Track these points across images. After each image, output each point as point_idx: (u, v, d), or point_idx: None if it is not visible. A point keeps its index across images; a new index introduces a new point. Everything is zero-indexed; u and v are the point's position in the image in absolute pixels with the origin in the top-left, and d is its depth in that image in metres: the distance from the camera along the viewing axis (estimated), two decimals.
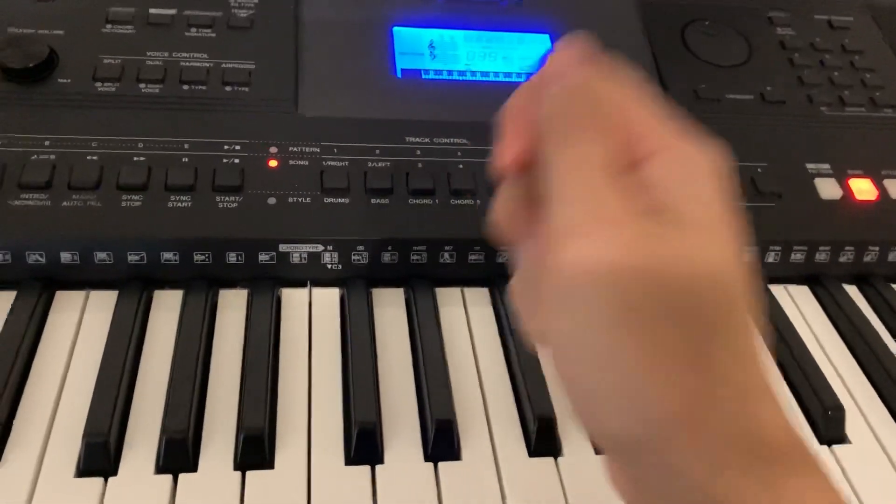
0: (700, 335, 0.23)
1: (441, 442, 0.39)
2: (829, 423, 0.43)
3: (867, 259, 0.52)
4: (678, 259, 0.23)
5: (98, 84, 0.50)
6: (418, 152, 0.50)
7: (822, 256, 0.51)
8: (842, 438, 0.43)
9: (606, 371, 0.24)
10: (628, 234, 0.24)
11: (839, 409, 0.43)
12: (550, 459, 0.40)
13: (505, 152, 0.28)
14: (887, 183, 0.54)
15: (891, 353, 0.48)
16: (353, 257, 0.46)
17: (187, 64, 0.52)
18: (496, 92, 0.56)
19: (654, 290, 0.23)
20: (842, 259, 0.52)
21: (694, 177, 0.25)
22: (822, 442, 0.43)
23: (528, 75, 0.57)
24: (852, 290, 0.53)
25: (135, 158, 0.46)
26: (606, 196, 0.24)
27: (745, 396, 0.24)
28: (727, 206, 0.25)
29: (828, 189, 0.53)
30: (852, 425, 0.44)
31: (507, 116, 0.29)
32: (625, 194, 0.25)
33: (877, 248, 0.52)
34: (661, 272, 0.23)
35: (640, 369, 0.23)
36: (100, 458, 0.36)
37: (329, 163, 0.48)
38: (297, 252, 0.46)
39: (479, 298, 0.48)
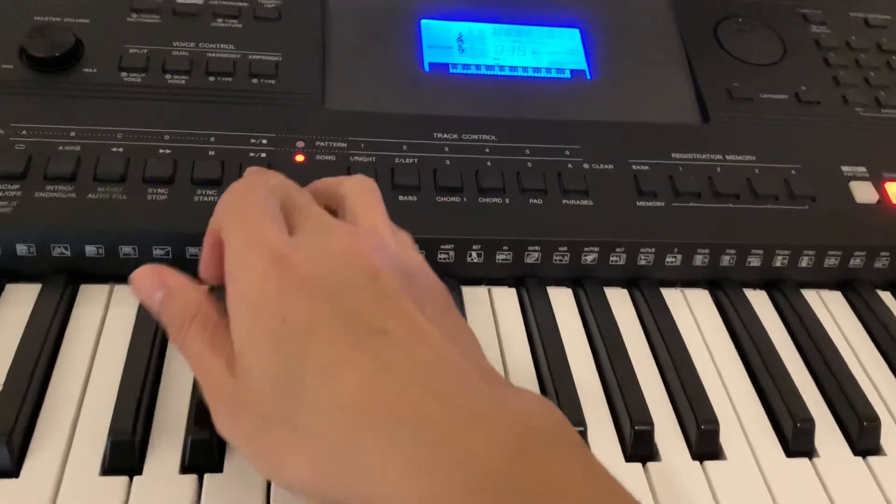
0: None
1: None
2: (863, 433, 0.42)
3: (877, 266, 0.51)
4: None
5: (124, 74, 0.49)
6: (446, 149, 0.49)
7: (856, 262, 0.50)
8: (877, 450, 0.42)
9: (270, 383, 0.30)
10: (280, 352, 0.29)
11: (874, 420, 0.42)
12: None
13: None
14: None
15: None
16: None
17: (214, 55, 0.51)
18: (525, 87, 0.55)
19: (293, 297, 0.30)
20: (877, 265, 0.51)
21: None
22: (856, 453, 0.42)
23: (558, 70, 0.56)
24: (887, 297, 0.51)
25: (161, 151, 0.46)
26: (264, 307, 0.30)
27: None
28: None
29: (863, 192, 0.52)
30: (888, 437, 0.43)
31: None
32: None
33: None
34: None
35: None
36: (125, 456, 0.36)
37: (356, 158, 0.48)
38: None
39: (506, 298, 0.48)
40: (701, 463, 0.40)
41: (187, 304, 0.33)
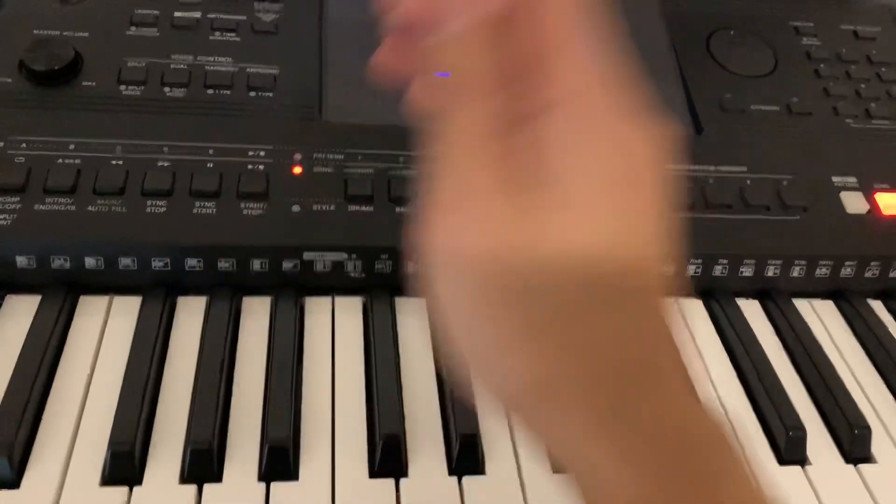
0: (561, 313, 0.23)
1: (466, 457, 0.39)
2: (854, 441, 0.43)
3: (893, 275, 0.52)
4: (540, 241, 0.22)
5: (123, 87, 0.50)
6: None
7: (847, 271, 0.51)
8: (868, 458, 0.43)
9: (475, 341, 0.24)
10: (494, 213, 0.23)
11: (865, 428, 0.43)
12: None
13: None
14: None
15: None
16: (376, 266, 0.46)
17: (212, 68, 0.51)
18: None
19: (509, 273, 0.22)
20: (867, 274, 0.51)
21: (589, 141, 0.23)
22: (847, 461, 0.43)
23: None
24: (877, 306, 0.52)
25: (159, 163, 0.46)
26: (481, 168, 0.23)
27: (621, 374, 0.23)
28: (631, 179, 0.23)
29: (854, 203, 0.52)
30: (878, 444, 0.43)
31: None
32: (502, 164, 0.23)
33: None
34: (518, 255, 0.22)
35: (499, 344, 0.23)
36: (125, 467, 0.36)
37: (353, 170, 0.48)
38: (321, 260, 0.45)
39: None
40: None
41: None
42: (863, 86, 0.60)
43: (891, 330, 0.50)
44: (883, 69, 0.61)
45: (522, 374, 0.23)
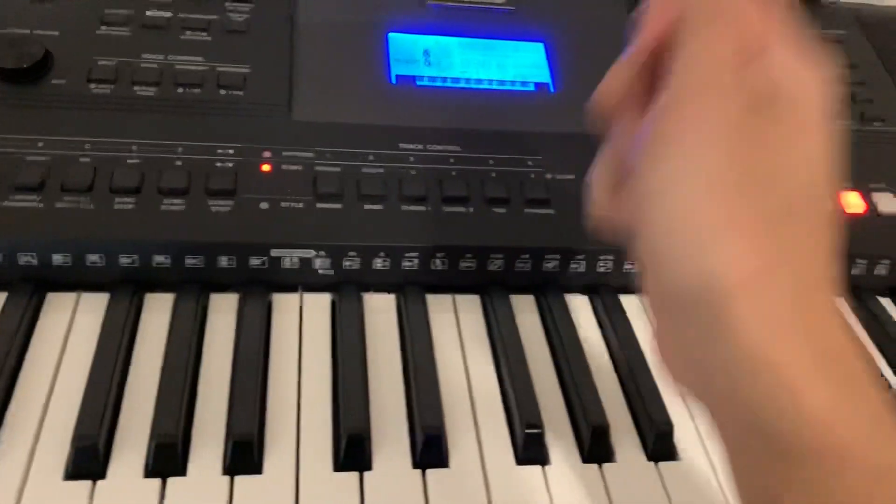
0: (781, 211, 0.26)
1: (429, 450, 0.39)
2: None
3: (855, 272, 0.53)
4: (770, 141, 0.26)
5: (93, 85, 0.50)
6: (411, 159, 0.50)
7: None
8: None
9: (693, 220, 0.26)
10: (732, 106, 0.26)
11: None
12: (538, 468, 0.40)
13: (647, 26, 0.30)
14: (875, 196, 0.54)
15: (878, 368, 0.48)
16: (344, 263, 0.47)
17: (182, 67, 0.52)
18: (490, 99, 0.56)
19: (745, 156, 0.26)
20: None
21: (798, 73, 0.28)
22: None
23: (522, 83, 0.57)
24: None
25: (128, 161, 0.46)
26: (722, 76, 0.27)
27: (813, 282, 0.26)
28: (824, 105, 0.28)
29: None
30: None
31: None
32: (739, 83, 0.27)
33: (865, 262, 0.52)
34: (755, 143, 0.26)
35: (723, 226, 0.25)
36: (88, 461, 0.36)
37: (322, 168, 0.49)
38: (289, 257, 0.46)
39: (470, 306, 0.49)
40: (656, 464, 0.41)
41: None
42: None
43: (852, 326, 0.51)
44: (847, 71, 0.62)
45: (739, 261, 0.25)
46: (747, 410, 0.26)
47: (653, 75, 0.30)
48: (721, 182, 0.26)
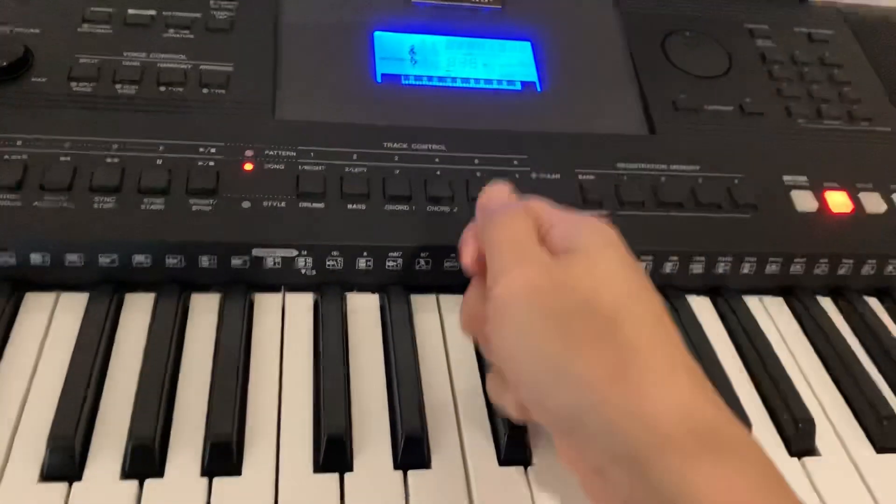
0: (602, 324, 0.32)
1: (410, 451, 0.39)
2: (798, 434, 0.43)
3: (842, 272, 0.52)
4: (575, 276, 0.33)
5: (74, 84, 0.49)
6: (396, 158, 0.50)
7: (796, 268, 0.52)
8: (812, 450, 0.43)
9: (539, 360, 0.32)
10: (541, 266, 0.34)
11: (809, 422, 0.43)
12: (520, 468, 0.40)
13: (463, 256, 0.39)
14: (862, 196, 0.54)
15: (863, 367, 0.48)
16: (327, 263, 0.46)
17: (165, 65, 0.51)
18: (476, 98, 0.56)
19: (559, 297, 0.32)
20: (816, 271, 0.52)
21: (580, 230, 0.35)
22: (791, 454, 0.43)
23: (509, 82, 0.57)
24: (826, 303, 0.53)
25: (108, 160, 0.46)
26: (526, 247, 0.35)
27: (658, 367, 0.31)
28: (608, 241, 0.35)
29: (804, 201, 0.53)
30: (823, 438, 0.44)
31: (463, 235, 0.40)
32: (538, 247, 0.35)
33: (851, 261, 0.52)
34: (564, 284, 0.33)
35: (562, 353, 0.31)
36: (64, 463, 0.36)
37: (305, 167, 0.48)
38: (271, 257, 0.45)
39: (453, 305, 0.48)
40: None
41: None
42: (815, 87, 0.61)
43: (839, 326, 0.51)
44: (835, 70, 0.62)
45: (588, 372, 0.31)
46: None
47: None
48: (544, 322, 0.32)
